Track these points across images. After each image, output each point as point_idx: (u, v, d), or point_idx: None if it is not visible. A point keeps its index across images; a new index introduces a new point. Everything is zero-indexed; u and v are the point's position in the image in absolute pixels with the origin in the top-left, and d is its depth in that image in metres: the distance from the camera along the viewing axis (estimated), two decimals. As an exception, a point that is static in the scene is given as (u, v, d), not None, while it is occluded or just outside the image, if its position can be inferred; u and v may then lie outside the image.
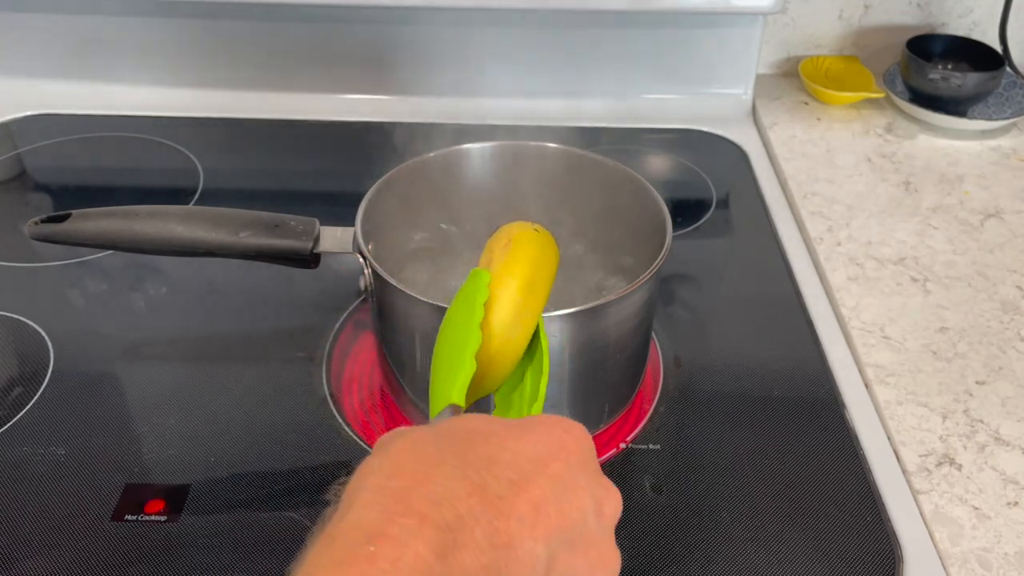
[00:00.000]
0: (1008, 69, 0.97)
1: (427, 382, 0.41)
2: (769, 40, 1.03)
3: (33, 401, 0.61)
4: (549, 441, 0.31)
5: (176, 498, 0.54)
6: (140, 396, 0.62)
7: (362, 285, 0.55)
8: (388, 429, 0.59)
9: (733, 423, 0.61)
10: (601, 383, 0.57)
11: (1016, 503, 0.55)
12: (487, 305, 0.42)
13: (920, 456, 0.58)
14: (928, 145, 0.93)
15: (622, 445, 0.59)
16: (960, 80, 0.93)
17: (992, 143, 0.93)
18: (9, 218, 0.83)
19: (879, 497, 0.55)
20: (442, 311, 0.49)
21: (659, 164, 0.93)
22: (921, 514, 0.54)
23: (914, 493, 0.56)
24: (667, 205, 0.57)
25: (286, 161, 0.92)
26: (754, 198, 0.86)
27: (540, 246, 0.46)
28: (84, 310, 0.71)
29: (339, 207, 0.59)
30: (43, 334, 0.67)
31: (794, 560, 0.51)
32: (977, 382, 0.64)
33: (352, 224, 0.55)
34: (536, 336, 0.44)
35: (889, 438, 0.60)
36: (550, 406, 0.55)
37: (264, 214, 0.57)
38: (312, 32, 0.96)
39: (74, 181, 0.91)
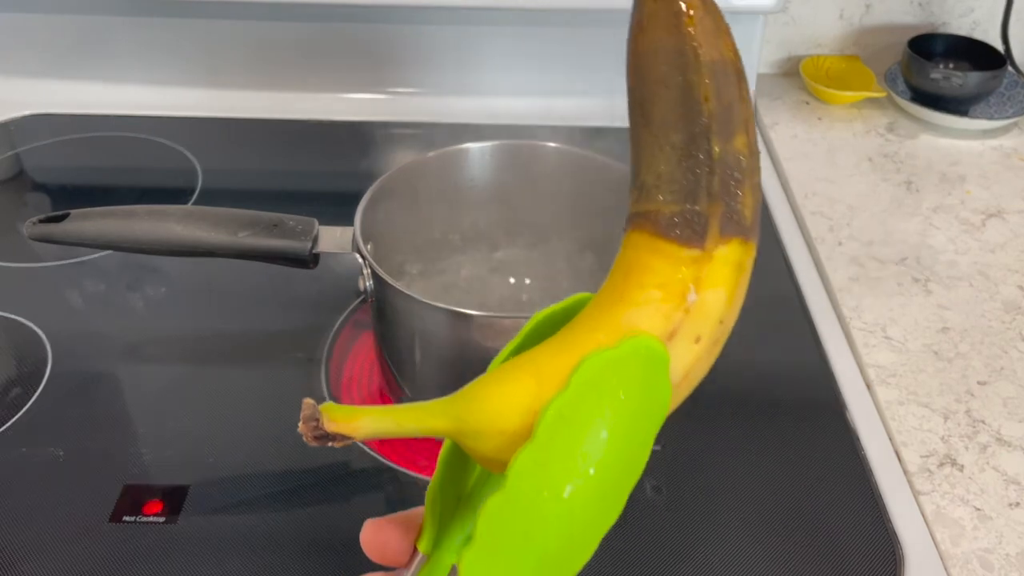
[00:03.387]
0: (1010, 68, 0.97)
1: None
2: (769, 39, 1.03)
3: (31, 402, 0.61)
4: None
5: (175, 499, 0.54)
6: (139, 396, 0.62)
7: (362, 285, 0.55)
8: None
9: (733, 423, 0.61)
10: (601, 383, 0.57)
11: (1018, 504, 0.55)
12: None
13: (921, 457, 0.58)
14: (929, 144, 0.93)
15: (622, 446, 0.58)
16: (961, 79, 0.92)
17: (994, 142, 0.93)
18: (8, 218, 0.83)
19: (880, 498, 0.55)
20: (442, 311, 0.49)
21: (659, 164, 0.92)
22: (922, 515, 0.54)
23: (915, 494, 0.55)
24: (667, 205, 0.57)
25: (285, 161, 0.92)
26: (755, 198, 0.86)
27: None
28: (83, 310, 0.71)
29: (339, 207, 0.59)
30: (41, 334, 0.67)
31: (794, 561, 0.51)
32: (979, 382, 0.63)
33: (351, 224, 0.55)
34: None
35: (890, 439, 0.59)
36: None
37: (263, 214, 0.56)
38: (311, 31, 0.95)
39: (73, 181, 0.91)
